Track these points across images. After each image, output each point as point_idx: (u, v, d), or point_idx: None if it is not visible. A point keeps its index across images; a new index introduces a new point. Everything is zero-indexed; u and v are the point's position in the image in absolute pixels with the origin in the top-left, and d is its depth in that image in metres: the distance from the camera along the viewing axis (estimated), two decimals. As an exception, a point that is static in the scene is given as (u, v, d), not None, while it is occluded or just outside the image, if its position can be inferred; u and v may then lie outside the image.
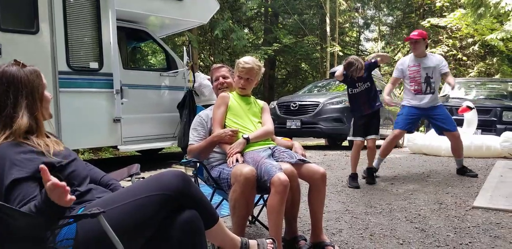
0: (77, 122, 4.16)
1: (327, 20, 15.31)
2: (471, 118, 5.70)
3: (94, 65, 4.38)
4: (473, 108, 5.70)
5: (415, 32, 3.97)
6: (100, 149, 7.14)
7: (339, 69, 3.67)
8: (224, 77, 2.32)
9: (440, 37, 15.74)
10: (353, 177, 3.69)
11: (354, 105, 3.74)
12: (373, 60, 3.68)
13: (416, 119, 4.13)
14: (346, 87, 3.89)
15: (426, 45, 3.97)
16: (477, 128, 5.93)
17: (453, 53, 14.85)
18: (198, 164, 2.06)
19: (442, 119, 3.98)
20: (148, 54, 14.39)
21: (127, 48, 6.23)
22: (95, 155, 7.31)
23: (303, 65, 19.26)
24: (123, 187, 1.56)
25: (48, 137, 1.42)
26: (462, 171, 4.07)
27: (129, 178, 1.71)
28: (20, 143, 1.28)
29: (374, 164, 3.97)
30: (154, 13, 5.10)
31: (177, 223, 1.28)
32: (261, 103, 2.31)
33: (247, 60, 2.15)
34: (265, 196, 2.13)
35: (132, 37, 5.81)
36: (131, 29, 5.25)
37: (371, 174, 3.81)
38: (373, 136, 3.67)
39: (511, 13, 8.30)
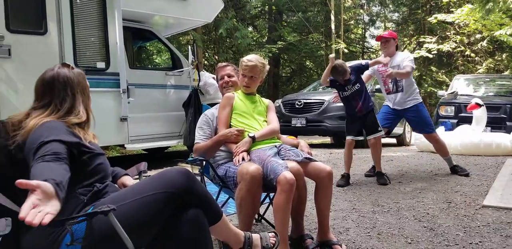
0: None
1: (332, 17, 15.21)
2: (480, 115, 5.63)
3: (101, 65, 4.41)
4: (482, 105, 5.63)
5: (385, 32, 4.08)
6: (107, 147, 7.18)
7: (323, 75, 3.66)
8: (229, 76, 2.31)
9: (447, 33, 15.57)
10: (344, 176, 3.69)
11: (348, 107, 3.72)
12: (363, 63, 3.72)
13: (394, 118, 4.07)
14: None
15: (396, 45, 3.95)
16: (486, 126, 5.85)
17: (461, 49, 14.69)
18: (204, 162, 2.06)
19: (416, 122, 3.99)
20: (153, 54, 14.45)
21: (133, 47, 6.25)
22: (102, 154, 7.35)
23: (307, 63, 19.19)
24: (126, 174, 1.67)
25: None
26: (454, 170, 3.99)
27: (137, 176, 1.73)
28: (70, 126, 1.42)
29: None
30: (159, 12, 5.12)
31: (182, 221, 1.30)
32: (267, 101, 2.30)
33: (250, 58, 2.15)
34: (271, 194, 2.12)
35: (138, 36, 5.84)
36: (136, 29, 5.28)
37: (381, 176, 3.75)
38: (373, 136, 3.66)
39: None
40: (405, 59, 3.81)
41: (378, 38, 4.00)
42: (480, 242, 2.10)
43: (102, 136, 4.43)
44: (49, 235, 1.19)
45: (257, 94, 2.28)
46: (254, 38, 17.40)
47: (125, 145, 4.63)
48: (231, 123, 2.13)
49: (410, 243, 2.11)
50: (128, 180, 1.63)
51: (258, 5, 16.46)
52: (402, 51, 17.90)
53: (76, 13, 4.13)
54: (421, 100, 4.00)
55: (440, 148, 4.09)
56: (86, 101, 1.56)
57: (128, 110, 4.54)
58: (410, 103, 3.90)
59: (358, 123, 3.68)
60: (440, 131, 5.49)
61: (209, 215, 1.38)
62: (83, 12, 4.24)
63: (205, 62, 14.72)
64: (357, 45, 21.32)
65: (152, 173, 1.66)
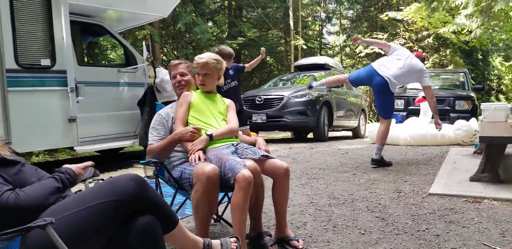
0: (28, 123, 3.95)
1: (291, 14, 15.39)
2: (426, 108, 5.96)
3: (45, 62, 4.17)
4: (429, 98, 5.93)
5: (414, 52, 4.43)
6: (56, 150, 6.83)
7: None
8: (182, 75, 2.26)
9: (397, 30, 16.27)
10: None
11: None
12: (241, 65, 4.18)
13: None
14: None
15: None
16: (432, 117, 6.20)
17: (410, 45, 15.41)
18: (158, 164, 2.01)
19: (379, 99, 4.39)
20: (107, 49, 13.88)
21: (82, 43, 5.96)
22: (51, 156, 6.99)
23: (268, 59, 19.31)
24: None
25: None
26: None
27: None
28: None
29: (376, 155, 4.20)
30: (110, 6, 4.90)
31: (134, 229, 1.24)
32: (227, 101, 2.28)
33: (202, 55, 2.13)
34: (230, 193, 2.11)
35: (88, 32, 5.56)
36: (86, 23, 5.01)
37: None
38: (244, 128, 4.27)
39: (461, 6, 8.71)
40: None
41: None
42: (426, 229, 2.23)
43: (49, 138, 4.29)
44: None
45: (217, 94, 2.26)
46: (214, 34, 17.21)
47: (75, 148, 4.42)
48: (189, 121, 2.09)
49: (363, 233, 2.20)
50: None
51: (218, 0, 16.29)
52: (357, 47, 18.40)
53: (16, 7, 3.87)
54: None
55: (379, 134, 4.31)
56: None
57: (77, 110, 4.33)
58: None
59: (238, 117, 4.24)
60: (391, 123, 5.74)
61: (164, 223, 1.32)
62: (25, 6, 3.97)
63: (164, 57, 14.36)
64: (315, 41, 21.73)
65: (106, 176, 1.60)
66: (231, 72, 4.38)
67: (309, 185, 3.43)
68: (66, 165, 1.45)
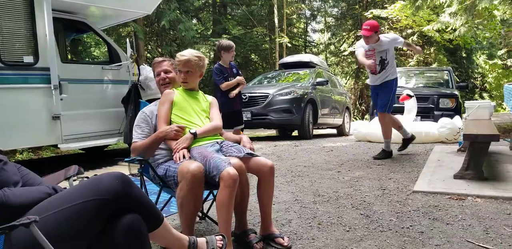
0: (11, 120, 3.89)
1: (275, 11, 15.40)
2: (411, 105, 6.05)
3: (28, 59, 4.09)
4: (413, 96, 6.03)
5: (366, 26, 4.12)
6: (40, 148, 6.71)
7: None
8: (166, 72, 2.25)
9: (382, 28, 16.45)
10: None
11: (226, 100, 4.33)
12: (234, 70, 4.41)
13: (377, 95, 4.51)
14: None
15: (377, 32, 4.24)
16: (416, 115, 6.30)
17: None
18: (143, 162, 1.99)
19: (379, 97, 4.40)
20: (90, 46, 13.65)
21: (66, 40, 5.85)
22: (35, 154, 6.86)
23: (252, 56, 19.31)
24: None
25: None
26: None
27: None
28: None
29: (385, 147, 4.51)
30: (93, 3, 4.81)
31: (118, 228, 1.23)
32: (210, 98, 2.27)
33: (183, 53, 2.11)
34: (215, 191, 2.11)
35: (71, 28, 5.49)
36: (69, 20, 4.94)
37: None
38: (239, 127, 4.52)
39: (446, 5, 8.85)
40: (396, 43, 4.27)
41: (363, 35, 4.17)
42: (411, 226, 2.27)
43: (32, 136, 4.22)
44: None
45: (200, 91, 2.25)
46: (199, 31, 17.09)
47: (59, 145, 4.36)
48: (172, 120, 2.08)
49: (348, 231, 2.23)
50: None
51: (202, -3, 16.19)
52: (341, 45, 18.56)
53: (-3, 3, 3.78)
54: (396, 77, 4.38)
55: (384, 130, 4.53)
56: None
57: (60, 107, 4.27)
58: (386, 78, 4.32)
59: (234, 115, 4.49)
60: (376, 121, 5.81)
61: (149, 221, 1.32)
62: (7, 2, 3.89)
63: (148, 55, 14.20)
64: (300, 39, 21.80)
65: (90, 174, 1.57)
66: (234, 70, 4.44)
67: (294, 183, 3.45)
68: None
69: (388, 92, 4.31)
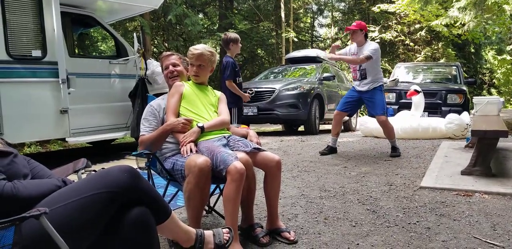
0: (20, 114, 3.93)
1: (282, 6, 15.29)
2: (418, 101, 6.00)
3: (37, 53, 4.13)
4: (420, 91, 5.99)
5: (354, 23, 4.25)
6: (48, 141, 6.77)
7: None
8: (174, 65, 2.25)
9: (389, 23, 16.29)
10: None
11: (238, 100, 4.43)
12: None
13: (355, 101, 4.44)
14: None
15: (365, 35, 4.23)
16: (424, 111, 6.26)
17: (402, 38, 15.45)
18: (150, 155, 2.00)
19: (371, 104, 4.32)
20: (98, 41, 13.69)
21: (73, 35, 5.88)
22: (43, 147, 6.93)
23: (259, 51, 19.24)
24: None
25: None
26: (393, 149, 4.42)
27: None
28: None
29: (331, 143, 4.56)
30: (101, -3, 4.83)
31: (126, 220, 1.24)
32: (218, 93, 2.28)
33: (197, 47, 2.12)
34: (221, 185, 2.12)
35: (79, 23, 5.50)
36: (76, 14, 4.95)
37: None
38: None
39: None
40: (366, 48, 4.13)
41: (346, 29, 4.25)
42: (417, 221, 2.26)
43: (40, 129, 4.26)
44: None
45: (209, 86, 2.25)
46: (205, 26, 17.05)
47: (67, 139, 4.40)
48: (180, 112, 2.08)
49: (354, 226, 2.23)
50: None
51: (208, -8, 16.12)
52: (348, 40, 18.44)
53: (6, -2, 3.80)
54: (381, 84, 4.31)
55: (386, 131, 4.43)
56: None
57: (68, 101, 4.30)
58: (371, 86, 4.26)
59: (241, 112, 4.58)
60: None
61: (157, 214, 1.33)
62: (15, -3, 3.91)
63: (154, 49, 14.22)
64: (306, 34, 21.66)
65: (98, 167, 1.58)
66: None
67: (300, 178, 3.45)
68: None
69: (381, 95, 4.29)
